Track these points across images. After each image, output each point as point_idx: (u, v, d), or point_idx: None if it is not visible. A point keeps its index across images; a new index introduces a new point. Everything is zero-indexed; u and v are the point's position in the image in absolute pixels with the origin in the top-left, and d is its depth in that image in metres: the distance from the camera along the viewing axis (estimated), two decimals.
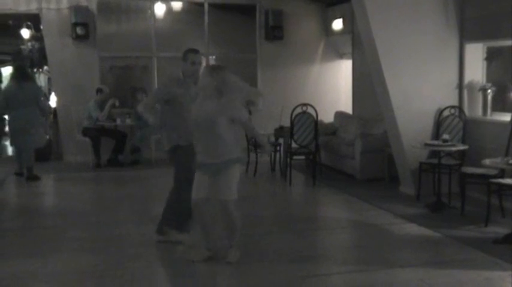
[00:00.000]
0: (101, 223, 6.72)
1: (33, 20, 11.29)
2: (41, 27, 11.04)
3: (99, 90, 10.58)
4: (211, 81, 4.94)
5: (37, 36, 11.39)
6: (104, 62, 11.42)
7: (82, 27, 10.70)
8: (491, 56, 7.85)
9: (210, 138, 4.94)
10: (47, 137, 10.66)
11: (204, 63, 5.44)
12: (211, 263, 5.24)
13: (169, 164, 5.79)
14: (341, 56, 12.26)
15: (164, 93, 5.60)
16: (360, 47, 9.95)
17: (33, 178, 9.19)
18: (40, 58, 11.40)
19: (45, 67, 11.67)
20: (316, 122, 8.89)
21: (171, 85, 5.60)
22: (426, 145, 7.16)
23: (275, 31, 11.74)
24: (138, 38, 11.57)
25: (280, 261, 5.30)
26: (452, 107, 7.78)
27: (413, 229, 6.30)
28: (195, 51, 5.65)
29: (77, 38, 10.78)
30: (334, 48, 12.26)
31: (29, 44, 11.47)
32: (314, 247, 5.93)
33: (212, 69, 5.13)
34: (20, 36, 11.51)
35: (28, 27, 11.39)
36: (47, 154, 11.12)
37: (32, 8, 10.71)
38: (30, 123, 9.04)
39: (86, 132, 10.47)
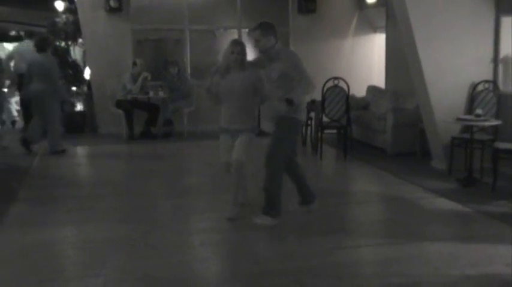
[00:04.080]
0: (133, 193, 6.85)
1: None
2: None
3: (134, 64, 10.69)
4: None
5: (71, 9, 11.49)
6: (137, 34, 11.52)
7: (115, 0, 10.79)
8: None
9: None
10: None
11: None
12: (240, 233, 5.34)
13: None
14: (374, 29, 12.13)
15: None
16: (394, 21, 9.81)
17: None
18: (75, 31, 11.51)
19: (80, 40, 11.78)
20: (347, 96, 8.85)
21: None
22: (459, 119, 7.09)
23: (308, 4, 11.66)
24: (170, 11, 11.61)
25: (310, 233, 5.34)
26: (487, 81, 7.66)
27: (444, 204, 6.28)
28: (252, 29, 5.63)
29: (110, 10, 10.90)
30: (367, 22, 12.12)
31: (64, 16, 11.57)
32: (343, 220, 5.96)
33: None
34: (54, 9, 11.62)
35: None
36: (81, 126, 11.34)
37: None
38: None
39: (119, 104, 10.60)
